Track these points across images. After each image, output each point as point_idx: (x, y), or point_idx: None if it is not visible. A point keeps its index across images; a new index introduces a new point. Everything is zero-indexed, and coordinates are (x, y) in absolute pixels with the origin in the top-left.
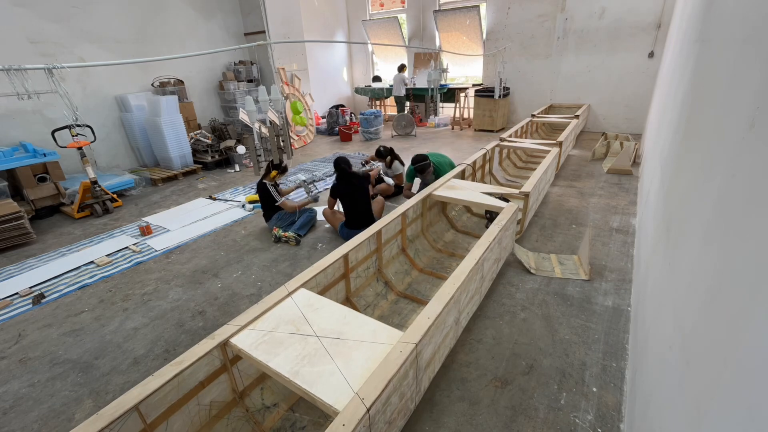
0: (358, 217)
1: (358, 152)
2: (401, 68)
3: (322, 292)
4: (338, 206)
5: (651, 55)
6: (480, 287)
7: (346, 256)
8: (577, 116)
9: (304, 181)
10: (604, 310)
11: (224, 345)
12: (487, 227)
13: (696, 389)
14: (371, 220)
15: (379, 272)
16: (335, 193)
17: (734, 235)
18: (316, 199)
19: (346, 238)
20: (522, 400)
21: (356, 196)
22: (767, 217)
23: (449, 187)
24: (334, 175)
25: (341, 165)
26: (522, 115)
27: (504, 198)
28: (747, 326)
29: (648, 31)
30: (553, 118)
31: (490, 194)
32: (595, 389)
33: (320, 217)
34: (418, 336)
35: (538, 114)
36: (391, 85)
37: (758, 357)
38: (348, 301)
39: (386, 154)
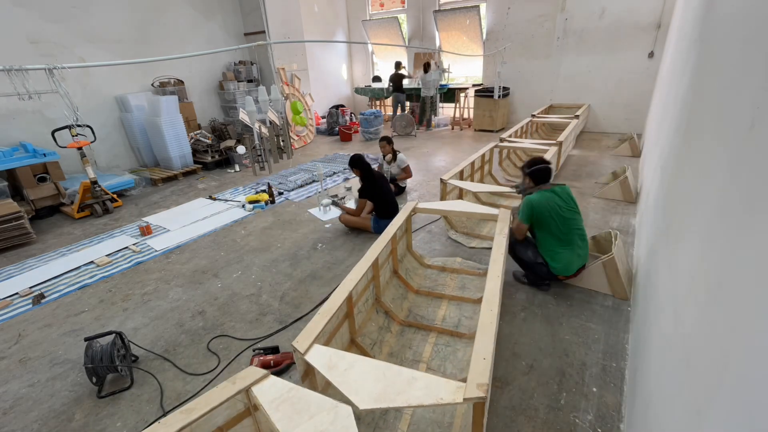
0: (388, 206)
1: None
2: (427, 67)
3: (328, 341)
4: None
5: (651, 55)
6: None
7: (349, 295)
8: (577, 116)
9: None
10: (604, 310)
11: (247, 390)
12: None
13: (696, 389)
14: (397, 205)
15: (377, 302)
16: (367, 193)
17: (734, 235)
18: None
19: (382, 230)
20: (522, 400)
21: (384, 187)
22: (767, 217)
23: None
24: (348, 175)
25: (366, 164)
26: (522, 115)
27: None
28: (747, 326)
29: (648, 31)
30: (553, 118)
31: (489, 193)
32: (595, 389)
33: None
34: (485, 384)
35: (538, 114)
36: (390, 85)
37: (758, 357)
38: (353, 343)
39: (391, 143)
